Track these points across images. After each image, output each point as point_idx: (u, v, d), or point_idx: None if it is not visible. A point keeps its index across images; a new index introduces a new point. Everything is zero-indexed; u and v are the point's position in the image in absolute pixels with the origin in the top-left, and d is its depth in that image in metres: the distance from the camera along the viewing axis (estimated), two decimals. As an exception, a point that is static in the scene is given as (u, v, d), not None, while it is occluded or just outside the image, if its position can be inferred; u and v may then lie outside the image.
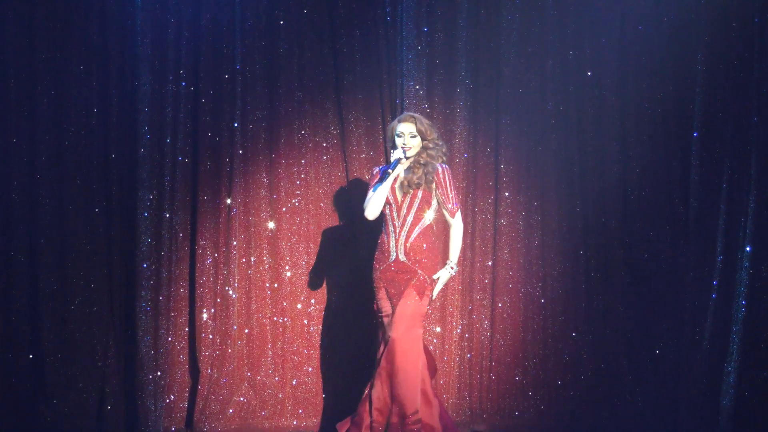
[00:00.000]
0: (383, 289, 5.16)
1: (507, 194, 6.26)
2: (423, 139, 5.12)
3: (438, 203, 5.25)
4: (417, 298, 5.09)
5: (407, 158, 5.17)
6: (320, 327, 6.19)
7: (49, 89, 5.97)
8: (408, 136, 5.11)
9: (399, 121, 5.17)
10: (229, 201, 6.10)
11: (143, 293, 5.94)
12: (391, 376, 5.04)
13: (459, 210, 5.24)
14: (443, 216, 5.30)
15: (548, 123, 6.29)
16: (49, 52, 5.97)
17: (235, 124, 6.12)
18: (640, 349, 6.20)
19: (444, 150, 5.22)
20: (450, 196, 5.20)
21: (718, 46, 6.16)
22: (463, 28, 6.23)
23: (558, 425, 6.11)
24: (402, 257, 5.08)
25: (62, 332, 5.94)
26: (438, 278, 5.20)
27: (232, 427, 6.01)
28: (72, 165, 6.00)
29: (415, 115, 5.19)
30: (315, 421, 6.11)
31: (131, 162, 6.01)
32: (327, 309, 6.20)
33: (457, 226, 5.24)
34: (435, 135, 5.17)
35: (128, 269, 6.01)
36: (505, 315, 6.24)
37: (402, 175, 5.18)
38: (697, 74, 6.18)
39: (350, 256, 6.20)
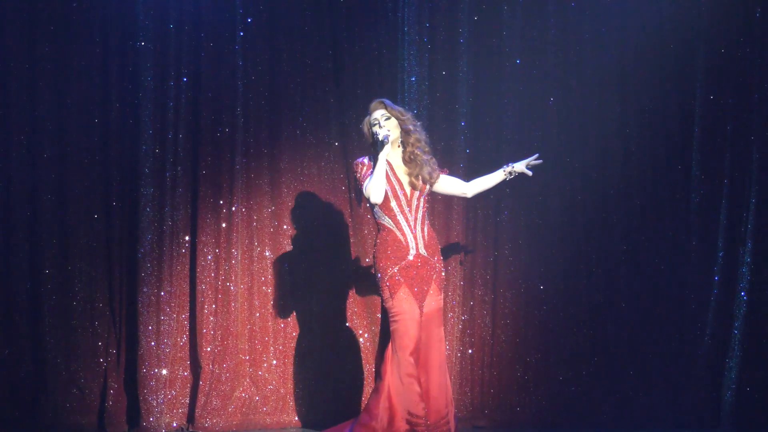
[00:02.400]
0: (404, 288, 4.97)
1: (508, 190, 6.25)
2: (398, 120, 5.06)
3: (431, 190, 5.18)
4: (440, 295, 5.07)
5: (391, 141, 5.02)
6: (322, 322, 6.18)
7: (50, 84, 5.95)
8: (382, 120, 5.04)
9: (369, 113, 5.10)
10: (230, 196, 6.09)
11: (145, 289, 5.93)
12: (428, 376, 4.98)
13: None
14: (446, 193, 5.31)
15: (550, 118, 6.29)
16: (50, 47, 5.94)
17: (237, 120, 6.11)
18: (641, 344, 6.20)
19: (424, 135, 5.11)
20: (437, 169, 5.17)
21: (720, 40, 6.18)
22: (465, 23, 6.23)
23: (559, 420, 6.10)
24: (422, 251, 5.03)
25: (64, 328, 5.92)
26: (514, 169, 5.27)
27: (234, 422, 6.00)
28: (73, 160, 5.98)
29: (383, 99, 5.13)
30: (317, 416, 6.09)
31: (132, 157, 6.00)
32: (329, 304, 6.18)
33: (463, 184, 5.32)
34: (409, 116, 5.08)
35: (130, 265, 6.00)
36: (506, 310, 6.24)
37: (404, 167, 5.11)
38: (699, 69, 6.20)
39: (352, 251, 6.19)
